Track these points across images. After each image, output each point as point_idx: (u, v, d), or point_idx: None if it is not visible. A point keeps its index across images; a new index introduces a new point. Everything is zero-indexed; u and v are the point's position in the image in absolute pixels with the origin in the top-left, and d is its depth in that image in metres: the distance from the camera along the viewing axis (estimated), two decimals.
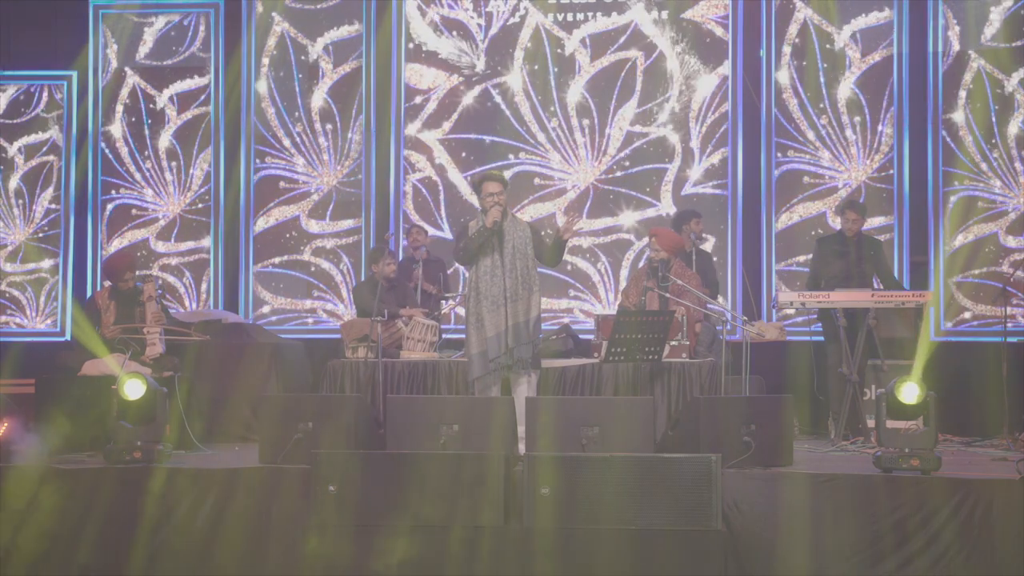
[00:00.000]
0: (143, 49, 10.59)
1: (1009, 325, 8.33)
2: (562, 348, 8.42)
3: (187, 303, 10.41)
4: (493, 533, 5.64)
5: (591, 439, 6.05)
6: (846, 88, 9.90)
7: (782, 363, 8.49)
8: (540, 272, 7.13)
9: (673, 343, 7.41)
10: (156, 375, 7.05)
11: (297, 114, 10.43)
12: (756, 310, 9.54)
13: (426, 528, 5.64)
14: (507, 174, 9.67)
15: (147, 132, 10.56)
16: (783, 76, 9.97)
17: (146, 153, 10.55)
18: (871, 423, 6.92)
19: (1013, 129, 9.67)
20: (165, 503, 6.04)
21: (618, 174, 10.16)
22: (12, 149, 10.63)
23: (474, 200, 8.50)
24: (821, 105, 9.92)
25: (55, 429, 6.89)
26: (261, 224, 10.44)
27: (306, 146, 10.43)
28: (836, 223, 9.28)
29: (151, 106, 10.56)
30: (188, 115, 10.54)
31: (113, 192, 10.57)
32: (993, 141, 9.68)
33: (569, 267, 10.07)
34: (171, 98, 10.55)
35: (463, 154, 10.34)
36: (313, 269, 10.40)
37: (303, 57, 10.47)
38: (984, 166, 9.68)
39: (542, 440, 6.09)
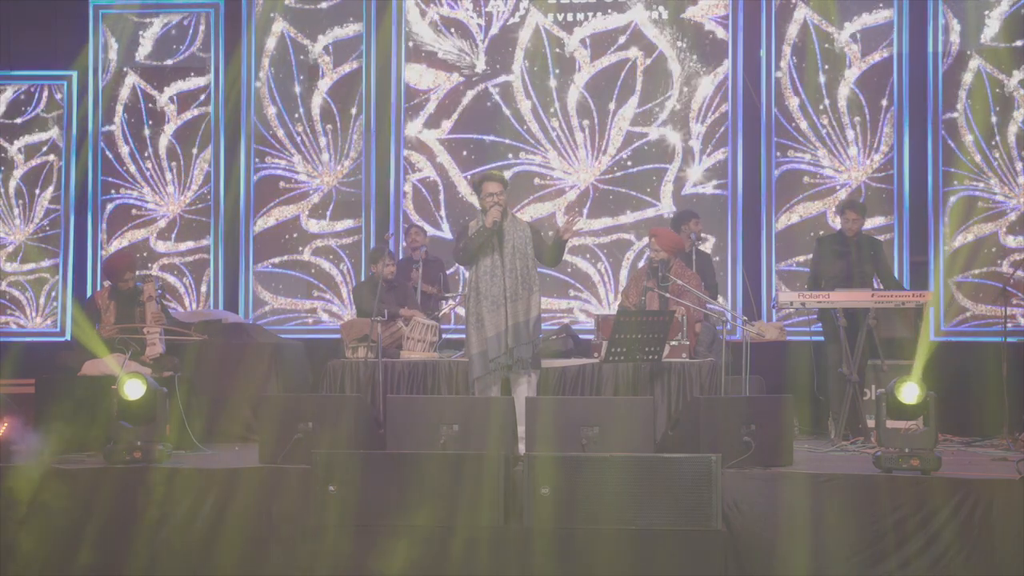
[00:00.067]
0: (143, 49, 10.59)
1: (1009, 325, 8.33)
2: (562, 348, 8.42)
3: (187, 303, 10.40)
4: (493, 533, 5.64)
5: (591, 439, 6.05)
6: (846, 88, 9.89)
7: (782, 363, 8.49)
8: (540, 272, 7.14)
9: (673, 343, 7.42)
10: (156, 375, 7.06)
11: (297, 114, 10.43)
12: (756, 310, 9.54)
13: (426, 528, 5.64)
14: (507, 174, 9.67)
15: (147, 132, 10.56)
16: (783, 76, 9.97)
17: (146, 153, 10.55)
18: (871, 423, 6.92)
19: (1013, 129, 9.67)
20: (165, 503, 6.04)
21: (618, 174, 10.16)
22: (12, 149, 10.63)
23: (474, 200, 8.50)
24: (821, 105, 9.92)
25: (55, 429, 6.90)
26: (261, 224, 10.44)
27: (306, 146, 10.43)
28: (836, 223, 9.28)
29: (151, 106, 10.56)
30: (188, 115, 10.54)
31: (113, 192, 10.57)
32: (993, 141, 9.68)
33: (569, 267, 10.07)
34: (171, 98, 10.55)
35: (463, 154, 10.34)
36: (313, 270, 10.40)
37: (303, 57, 10.47)
38: (984, 166, 9.68)
39: (542, 440, 6.09)
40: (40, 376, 7.78)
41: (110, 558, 6.01)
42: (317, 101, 10.42)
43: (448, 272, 9.54)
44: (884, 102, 9.84)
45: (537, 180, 10.22)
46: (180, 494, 6.06)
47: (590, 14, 10.22)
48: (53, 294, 10.51)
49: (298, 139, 10.43)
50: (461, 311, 8.47)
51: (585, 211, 10.14)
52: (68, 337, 10.20)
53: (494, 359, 6.78)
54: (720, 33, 10.08)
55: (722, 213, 10.00)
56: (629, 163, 10.15)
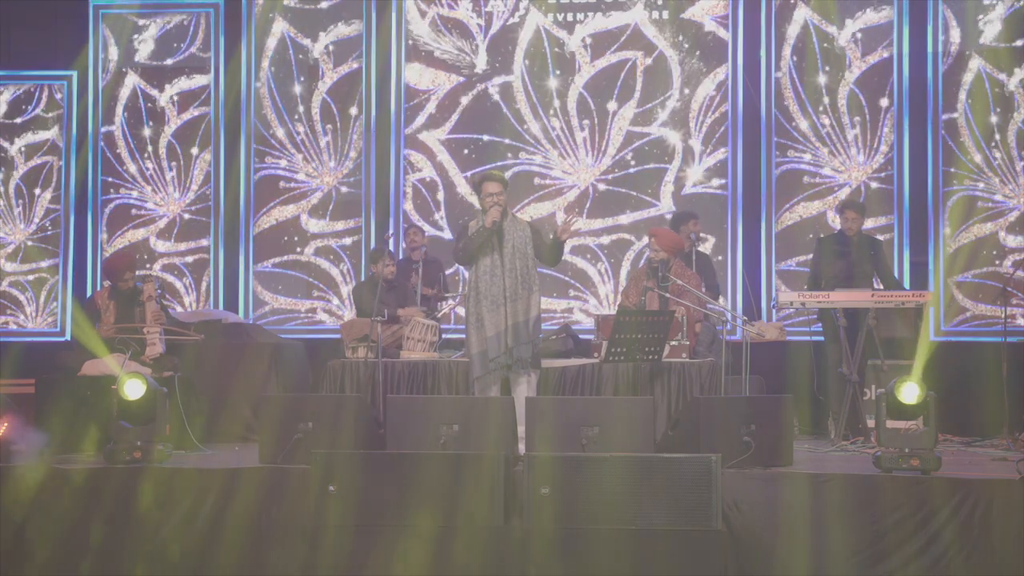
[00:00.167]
0: (143, 49, 10.59)
1: (1009, 325, 8.33)
2: (562, 348, 8.42)
3: (187, 303, 10.40)
4: (493, 533, 5.64)
5: (591, 439, 6.05)
6: (846, 88, 9.90)
7: (782, 363, 8.49)
8: (540, 272, 7.13)
9: (673, 343, 7.41)
10: (156, 375, 7.06)
11: (297, 114, 10.43)
12: (756, 310, 9.54)
13: (426, 528, 5.64)
14: (507, 174, 9.67)
15: (147, 132, 10.56)
16: (783, 76, 9.96)
17: (146, 153, 10.56)
18: (871, 423, 6.92)
19: (1013, 129, 9.67)
20: (165, 503, 6.04)
21: (618, 174, 10.16)
22: (12, 149, 10.63)
23: (474, 200, 8.50)
24: (821, 105, 9.92)
25: (55, 429, 6.90)
26: (261, 224, 10.44)
27: (306, 146, 10.43)
28: (836, 223, 9.28)
29: (151, 106, 10.56)
30: (188, 115, 10.54)
31: (113, 192, 10.57)
32: (993, 141, 9.68)
33: (569, 267, 10.07)
34: (171, 98, 10.55)
35: (463, 154, 10.34)
36: (313, 269, 10.40)
37: (303, 57, 10.47)
38: (984, 166, 9.68)
39: (542, 440, 6.09)
40: (40, 376, 7.79)
41: (110, 558, 6.00)
42: (317, 101, 10.42)
43: (448, 272, 9.54)
44: (884, 102, 9.84)
45: (537, 180, 10.22)
46: (180, 494, 6.06)
47: (590, 14, 10.22)
48: (53, 294, 10.51)
49: (298, 139, 10.43)
50: (461, 311, 8.47)
51: (585, 211, 10.14)
52: (68, 337, 10.20)
53: (494, 359, 6.78)
54: (720, 33, 10.08)
55: (722, 213, 10.00)
56: (629, 163, 10.15)
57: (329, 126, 10.41)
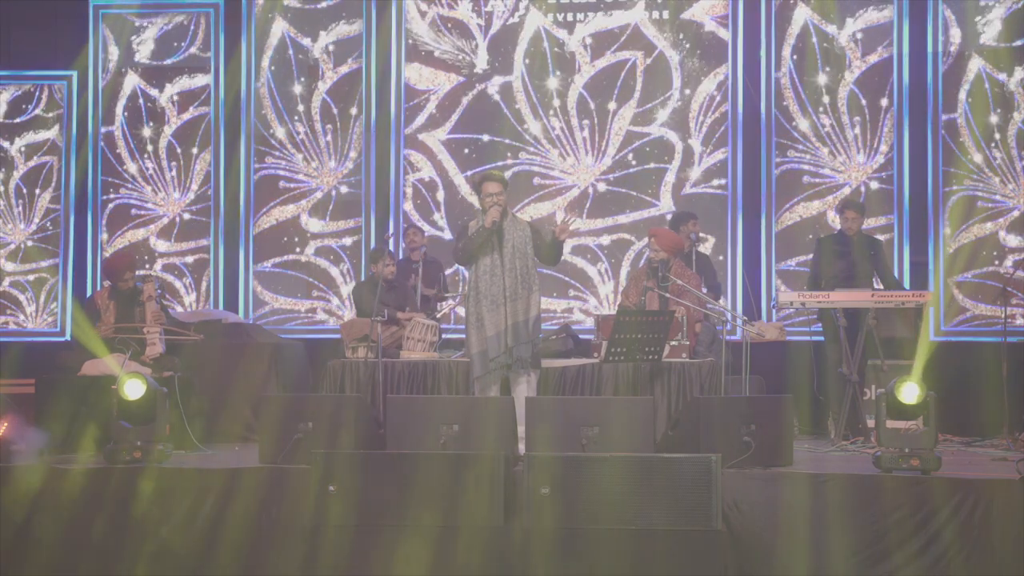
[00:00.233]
0: (143, 49, 10.59)
1: (1009, 325, 8.33)
2: (562, 348, 8.42)
3: (187, 303, 10.41)
4: (493, 533, 5.64)
5: (591, 439, 6.05)
6: (846, 88, 9.90)
7: (782, 363, 8.49)
8: (540, 272, 7.13)
9: (673, 343, 7.41)
10: (156, 375, 7.06)
11: (297, 114, 10.43)
12: (756, 310, 9.54)
13: (426, 528, 5.64)
14: (507, 174, 9.67)
15: (147, 132, 10.56)
16: (783, 76, 9.96)
17: (146, 153, 10.56)
18: (871, 423, 6.92)
19: (1013, 129, 9.67)
20: (165, 503, 6.04)
21: (618, 174, 10.16)
22: (12, 149, 10.63)
23: (474, 200, 8.50)
24: (821, 106, 9.92)
25: (55, 429, 6.90)
26: (261, 224, 10.44)
27: (306, 146, 10.43)
28: (836, 223, 9.28)
29: (151, 106, 10.56)
30: (188, 115, 10.54)
31: (113, 192, 10.57)
32: (993, 141, 9.68)
33: (569, 268, 10.06)
34: (171, 98, 10.55)
35: (463, 154, 10.34)
36: (313, 269, 10.40)
37: (303, 57, 10.47)
38: (984, 166, 9.68)
39: (542, 440, 6.09)
40: (40, 376, 7.79)
41: (110, 558, 6.00)
42: (317, 101, 10.42)
43: (448, 272, 9.54)
44: (884, 102, 9.84)
45: (537, 180, 10.22)
46: (180, 494, 6.06)
47: (590, 14, 10.22)
48: (53, 294, 10.51)
49: (298, 139, 10.42)
50: (461, 311, 8.47)
51: (585, 211, 10.14)
52: (68, 337, 10.20)
53: (494, 358, 6.78)
54: (720, 33, 10.08)
55: (722, 213, 10.00)
56: (629, 163, 10.15)
57: (329, 126, 10.41)
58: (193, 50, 10.55)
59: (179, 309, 10.13)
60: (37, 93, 10.65)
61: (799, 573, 5.69)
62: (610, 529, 5.56)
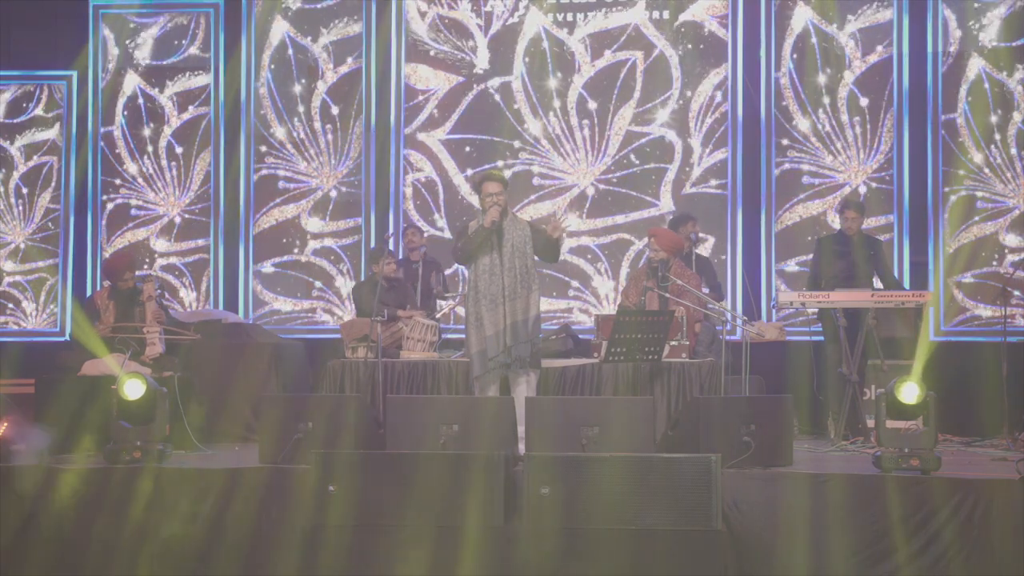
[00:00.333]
0: (143, 49, 10.59)
1: (1009, 325, 8.33)
2: (562, 348, 8.42)
3: (187, 303, 10.41)
4: (493, 533, 5.64)
5: (591, 439, 6.04)
6: (846, 88, 9.90)
7: (782, 363, 8.48)
8: (540, 272, 7.13)
9: (673, 343, 7.41)
10: (156, 375, 7.06)
11: (297, 114, 10.43)
12: (756, 310, 9.54)
13: (426, 528, 5.64)
14: (507, 174, 9.67)
15: (147, 132, 10.56)
16: (783, 76, 9.97)
17: (146, 153, 10.56)
18: (871, 423, 6.92)
19: (1013, 129, 9.67)
20: (165, 503, 6.04)
21: (618, 174, 10.16)
22: (12, 149, 10.63)
23: (474, 200, 8.50)
24: (821, 106, 9.92)
25: (55, 429, 6.89)
26: (261, 224, 10.44)
27: (306, 146, 10.43)
28: (836, 223, 9.28)
29: (151, 106, 10.56)
30: (188, 115, 10.54)
31: (113, 192, 10.57)
32: (993, 141, 9.68)
33: (569, 267, 10.06)
34: (171, 98, 10.56)
35: (463, 154, 10.34)
36: (313, 269, 10.39)
37: (303, 57, 10.47)
38: (984, 166, 9.68)
39: (542, 440, 6.09)
40: (40, 376, 7.79)
41: (110, 558, 6.00)
42: (317, 101, 10.42)
43: (448, 272, 9.54)
44: (884, 102, 9.84)
45: (537, 180, 10.22)
46: (180, 494, 6.06)
47: (590, 14, 10.22)
48: (53, 294, 10.51)
49: (298, 139, 10.43)
50: (461, 311, 8.47)
51: (585, 211, 10.14)
52: (67, 337, 10.20)
53: (493, 358, 6.78)
54: (720, 33, 10.08)
55: (722, 213, 10.00)
56: (630, 163, 10.15)
57: (329, 126, 10.41)
58: (193, 50, 10.55)
59: (179, 309, 10.13)
60: (37, 93, 10.65)
61: (799, 573, 5.69)
62: (610, 529, 5.56)
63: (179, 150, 10.52)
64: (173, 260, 10.51)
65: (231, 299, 10.34)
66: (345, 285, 10.27)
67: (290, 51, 10.45)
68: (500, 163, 10.17)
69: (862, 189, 9.85)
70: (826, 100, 9.91)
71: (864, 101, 9.87)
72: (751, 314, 9.44)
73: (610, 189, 10.16)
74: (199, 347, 8.07)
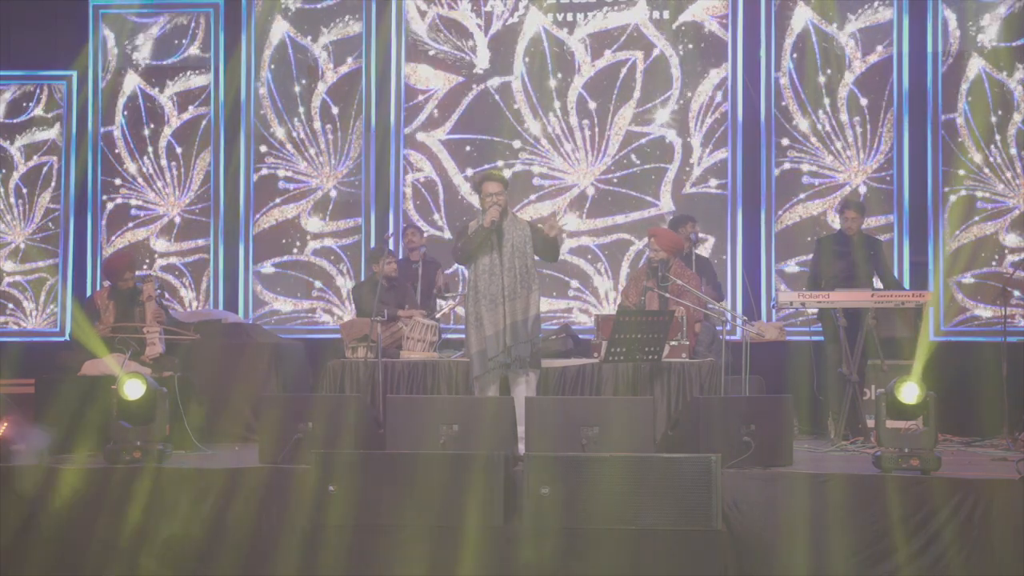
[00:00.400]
0: (143, 49, 10.59)
1: (1009, 325, 8.33)
2: (562, 348, 8.42)
3: (187, 303, 10.41)
4: (493, 533, 5.64)
5: (591, 439, 6.05)
6: (846, 88, 9.90)
7: (782, 363, 8.48)
8: (540, 272, 7.12)
9: (673, 343, 7.41)
10: (156, 375, 7.06)
11: (297, 115, 10.43)
12: (756, 310, 9.54)
13: (426, 528, 5.64)
14: (507, 174, 9.67)
15: (147, 132, 10.56)
16: (783, 76, 9.97)
17: (146, 153, 10.55)
18: (871, 423, 6.92)
19: (1013, 129, 9.67)
20: (165, 503, 6.04)
21: (618, 174, 10.16)
22: (12, 149, 10.63)
23: (474, 200, 8.50)
24: (821, 106, 9.91)
25: (55, 429, 6.89)
26: (261, 224, 10.44)
27: (306, 146, 10.43)
28: (836, 223, 9.28)
29: (151, 106, 10.56)
30: (188, 115, 10.54)
31: (113, 192, 10.57)
32: (993, 142, 9.68)
33: (569, 267, 10.06)
34: (171, 98, 10.56)
35: (463, 154, 10.34)
36: (313, 269, 10.39)
37: (303, 57, 10.47)
38: (984, 166, 9.68)
39: (542, 440, 6.09)
40: (40, 376, 7.78)
41: (110, 558, 6.00)
42: (317, 101, 10.42)
43: (448, 272, 9.54)
44: (884, 102, 9.84)
45: (537, 180, 10.22)
46: (180, 494, 6.06)
47: (590, 14, 10.22)
48: (53, 294, 10.51)
49: (298, 139, 10.43)
50: (461, 311, 8.47)
51: (585, 211, 10.14)
52: (68, 337, 10.20)
53: (492, 358, 6.77)
54: (720, 33, 10.08)
55: (722, 213, 10.00)
56: (630, 163, 10.14)
57: (329, 126, 10.41)
58: (193, 50, 10.55)
59: (179, 309, 10.13)
60: (37, 93, 10.65)
61: (799, 573, 5.69)
62: (610, 529, 5.56)
63: (179, 150, 10.52)
64: (173, 260, 10.51)
65: (231, 299, 10.34)
66: (345, 285, 10.28)
67: (290, 51, 10.46)
68: (500, 163, 10.18)
69: (862, 189, 9.85)
70: (826, 100, 9.91)
71: (864, 101, 9.87)
72: (751, 314, 9.44)
73: (610, 189, 10.16)
74: (199, 347, 8.07)
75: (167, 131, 10.54)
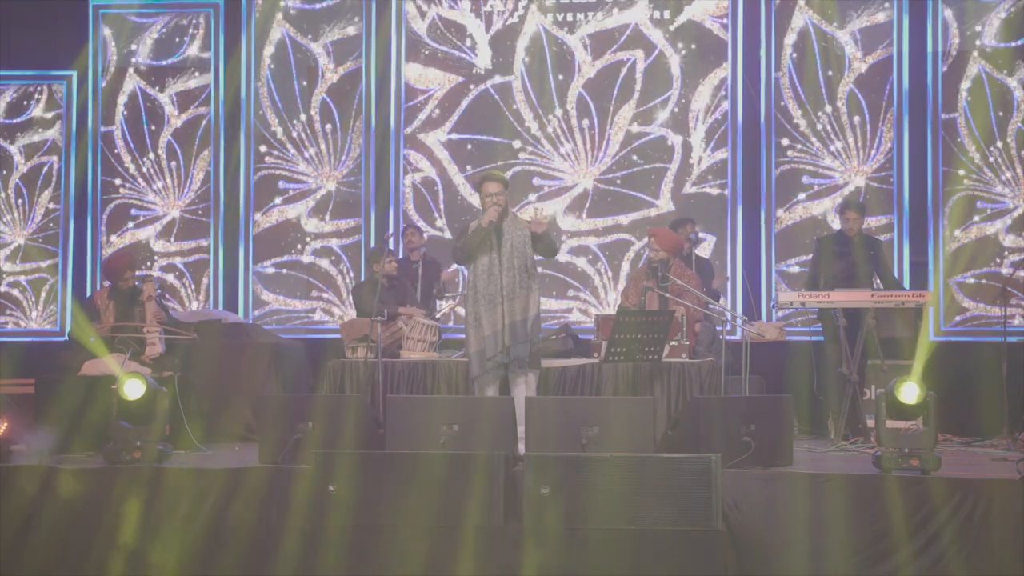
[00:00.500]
0: (143, 49, 10.59)
1: (1009, 325, 8.33)
2: (562, 348, 8.42)
3: (187, 303, 10.40)
4: (493, 533, 5.64)
5: (591, 439, 6.05)
6: (846, 88, 9.90)
7: (782, 363, 8.48)
8: (540, 272, 7.12)
9: (673, 343, 7.41)
10: (156, 375, 7.06)
11: (297, 116, 10.43)
12: (756, 310, 9.54)
13: (426, 528, 5.64)
14: (507, 174, 9.67)
15: (147, 132, 10.56)
16: (783, 76, 9.97)
17: (146, 153, 10.55)
18: (871, 423, 6.92)
19: (1013, 129, 9.67)
20: (165, 503, 6.04)
21: (618, 174, 10.16)
22: (12, 149, 10.63)
23: (474, 200, 8.51)
24: (821, 106, 9.91)
25: (55, 429, 6.90)
26: (261, 224, 10.44)
27: (306, 146, 10.43)
28: (836, 223, 9.28)
29: (151, 106, 10.56)
30: (188, 115, 10.54)
31: (113, 192, 10.57)
32: (993, 142, 9.68)
33: (569, 267, 10.06)
34: (171, 98, 10.56)
35: (463, 154, 10.34)
36: (313, 269, 10.39)
37: (303, 57, 10.47)
38: (984, 166, 9.68)
39: (542, 440, 6.09)
40: (40, 376, 7.78)
41: (110, 558, 6.00)
42: (317, 101, 10.42)
43: (448, 271, 9.53)
44: (884, 102, 9.84)
45: (537, 180, 10.22)
46: (180, 494, 6.06)
47: (590, 14, 10.22)
48: (53, 294, 10.51)
49: (298, 139, 10.42)
50: (461, 311, 8.47)
51: (584, 211, 10.14)
52: (67, 337, 10.19)
53: (491, 357, 6.77)
54: (720, 33, 10.08)
55: (722, 213, 10.00)
56: (630, 163, 10.14)
57: (329, 126, 10.41)
58: (193, 50, 10.55)
59: (179, 309, 10.12)
60: (37, 93, 10.65)
61: (799, 573, 5.69)
62: (610, 529, 5.56)
63: (179, 150, 10.52)
64: (173, 260, 10.51)
65: (231, 299, 10.34)
66: (345, 285, 10.27)
67: (290, 51, 10.46)
68: (500, 163, 10.17)
69: (862, 189, 9.85)
70: (826, 100, 9.91)
71: (864, 101, 9.87)
72: (751, 314, 9.44)
73: (610, 189, 10.16)
74: (199, 347, 8.07)
75: (167, 131, 10.54)
